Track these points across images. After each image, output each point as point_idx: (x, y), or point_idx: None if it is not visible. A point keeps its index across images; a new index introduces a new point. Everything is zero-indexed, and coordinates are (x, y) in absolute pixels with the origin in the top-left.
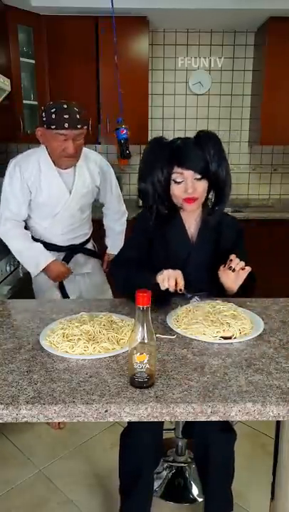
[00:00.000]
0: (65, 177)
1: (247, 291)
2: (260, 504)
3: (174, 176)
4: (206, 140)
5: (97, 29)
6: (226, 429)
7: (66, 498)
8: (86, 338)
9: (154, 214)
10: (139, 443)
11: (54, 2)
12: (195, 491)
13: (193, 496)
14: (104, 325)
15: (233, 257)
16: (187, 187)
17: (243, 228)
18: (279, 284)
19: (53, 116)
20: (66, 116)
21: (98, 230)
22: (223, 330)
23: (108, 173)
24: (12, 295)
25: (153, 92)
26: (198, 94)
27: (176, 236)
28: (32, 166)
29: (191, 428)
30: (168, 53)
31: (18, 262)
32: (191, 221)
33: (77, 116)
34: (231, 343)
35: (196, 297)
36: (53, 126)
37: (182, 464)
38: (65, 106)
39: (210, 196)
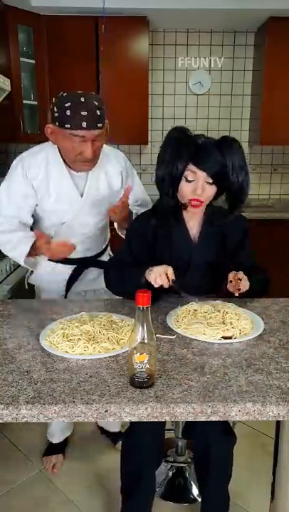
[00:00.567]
0: (77, 179)
1: (257, 294)
2: (260, 504)
3: (186, 173)
4: (229, 147)
5: (97, 29)
6: (226, 432)
7: (66, 498)
8: (86, 338)
9: (168, 202)
10: (141, 443)
11: (54, 2)
12: (195, 491)
13: (193, 495)
14: (104, 325)
15: (241, 275)
16: (197, 187)
17: (248, 227)
18: (279, 284)
19: (68, 112)
20: (84, 114)
21: (115, 238)
22: (223, 330)
23: (130, 170)
24: (12, 295)
25: (153, 92)
26: (198, 94)
27: (178, 236)
28: (39, 164)
29: (191, 429)
30: (168, 53)
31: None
32: (194, 222)
33: (98, 112)
34: (231, 343)
35: (196, 298)
36: (68, 125)
37: (182, 464)
38: (83, 99)
39: (220, 201)
